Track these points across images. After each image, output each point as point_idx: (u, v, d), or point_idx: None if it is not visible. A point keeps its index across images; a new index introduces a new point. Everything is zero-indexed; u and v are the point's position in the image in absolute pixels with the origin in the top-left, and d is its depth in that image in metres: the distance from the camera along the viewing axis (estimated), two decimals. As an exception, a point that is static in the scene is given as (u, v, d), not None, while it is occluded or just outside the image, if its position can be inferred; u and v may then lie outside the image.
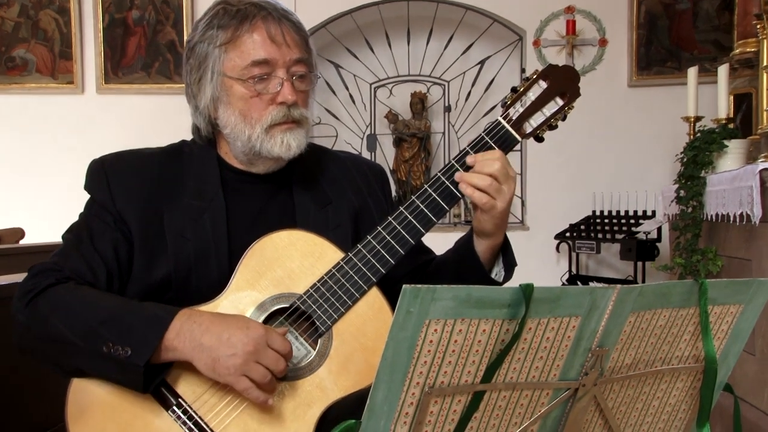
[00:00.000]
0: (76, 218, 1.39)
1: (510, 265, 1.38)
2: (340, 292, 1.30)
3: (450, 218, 5.00)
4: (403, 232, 1.30)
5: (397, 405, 0.85)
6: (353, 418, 0.88)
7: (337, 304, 1.29)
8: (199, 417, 1.25)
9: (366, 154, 4.99)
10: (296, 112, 1.34)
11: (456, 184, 1.28)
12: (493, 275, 1.37)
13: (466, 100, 5.16)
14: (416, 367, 0.84)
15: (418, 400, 0.86)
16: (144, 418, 1.24)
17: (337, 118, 5.17)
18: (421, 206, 1.30)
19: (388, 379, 0.84)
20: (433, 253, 1.57)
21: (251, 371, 1.20)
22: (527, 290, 0.84)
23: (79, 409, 1.23)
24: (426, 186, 1.31)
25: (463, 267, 1.37)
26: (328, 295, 1.29)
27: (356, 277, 1.29)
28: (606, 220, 4.62)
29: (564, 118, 1.34)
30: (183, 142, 1.46)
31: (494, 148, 1.30)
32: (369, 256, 1.29)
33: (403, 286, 0.79)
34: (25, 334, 1.25)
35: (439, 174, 1.31)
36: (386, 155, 5.23)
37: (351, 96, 5.19)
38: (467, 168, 1.29)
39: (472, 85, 5.13)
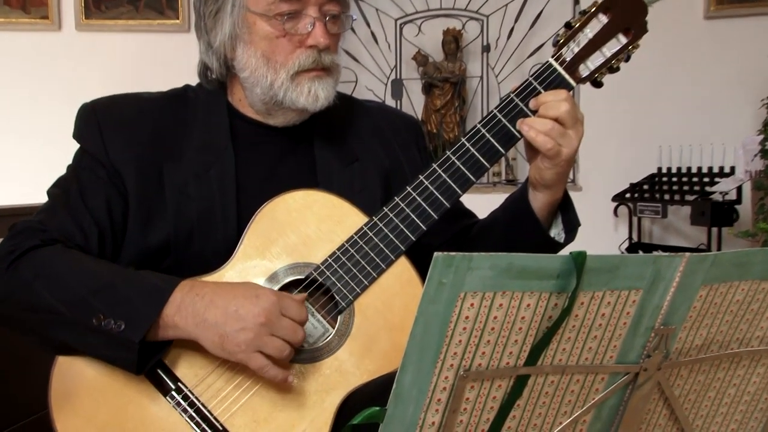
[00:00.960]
0: (51, 174, 1.42)
1: (572, 226, 1.40)
2: (363, 262, 1.32)
3: (489, 177, 4.97)
4: (437, 193, 1.32)
5: (427, 390, 0.87)
6: (377, 406, 0.90)
7: (360, 276, 1.32)
8: (202, 404, 1.28)
9: (390, 103, 4.93)
10: (327, 58, 1.36)
11: (504, 134, 1.30)
12: (552, 235, 1.38)
13: (509, 38, 5.08)
14: (450, 346, 0.85)
15: (452, 384, 0.87)
16: (139, 403, 1.27)
17: (356, 60, 5.11)
18: (457, 163, 1.32)
19: (417, 361, 0.85)
20: (475, 216, 1.60)
21: (266, 345, 1.22)
22: (579, 259, 0.84)
23: (64, 392, 1.26)
24: (463, 139, 1.32)
25: (516, 227, 1.39)
26: (349, 265, 1.31)
27: (382, 245, 1.32)
28: (674, 179, 4.58)
29: (627, 59, 1.35)
30: (187, 86, 1.48)
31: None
32: (397, 221, 1.32)
33: (435, 254, 0.80)
34: (4, 301, 1.27)
35: (479, 126, 1.32)
36: (414, 104, 5.18)
37: (373, 34, 5.13)
38: (517, 112, 1.30)
39: (516, 21, 5.04)
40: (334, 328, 1.33)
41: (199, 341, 1.23)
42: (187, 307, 1.22)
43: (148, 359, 1.25)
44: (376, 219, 1.33)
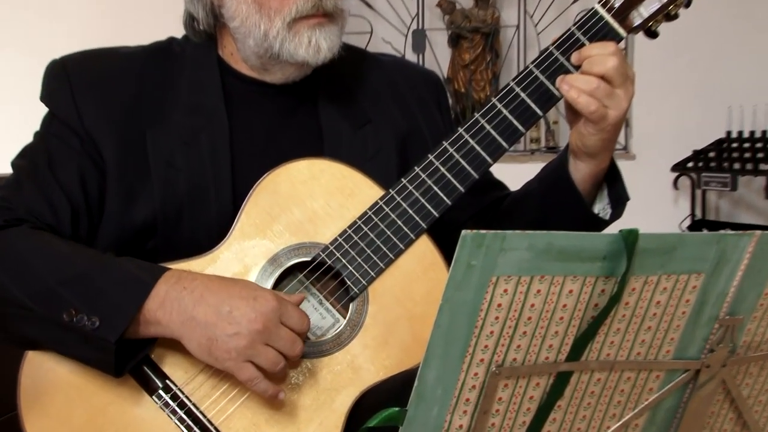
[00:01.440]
0: (15, 143, 1.43)
1: (619, 200, 1.40)
2: (378, 242, 1.34)
3: (525, 143, 4.93)
4: (463, 162, 1.33)
5: (454, 389, 0.88)
6: (396, 406, 0.90)
7: (375, 258, 1.33)
8: (193, 404, 1.30)
9: (411, 58, 4.84)
10: (329, 2, 1.35)
11: (542, 93, 1.30)
12: (595, 211, 1.39)
13: (550, -21, 5.01)
14: (480, 339, 0.86)
15: (483, 382, 0.88)
16: (120, 404, 1.28)
17: (370, 6, 5.04)
18: (488, 127, 1.33)
19: (442, 355, 0.86)
20: (507, 188, 1.62)
21: (259, 356, 1.24)
22: (630, 237, 0.84)
23: (35, 391, 1.27)
24: (494, 100, 1.32)
25: (554, 201, 1.40)
26: (362, 245, 1.33)
27: (400, 222, 1.33)
28: (746, 145, 4.51)
29: (687, 4, 1.34)
30: (172, 39, 1.48)
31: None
32: (417, 194, 1.33)
33: (462, 232, 0.80)
34: None
35: (512, 84, 1.32)
36: (439, 59, 5.08)
37: (391, -24, 5.07)
38: (557, 68, 1.31)
39: (559, -41, 4.98)
40: (345, 318, 1.34)
41: (182, 342, 1.25)
42: (173, 302, 1.23)
43: (129, 359, 1.26)
44: (393, 192, 1.34)
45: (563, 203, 1.37)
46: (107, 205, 1.36)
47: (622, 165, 1.43)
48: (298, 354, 1.25)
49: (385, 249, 1.34)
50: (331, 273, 1.35)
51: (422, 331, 1.32)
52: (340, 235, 1.34)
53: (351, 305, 1.35)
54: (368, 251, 1.34)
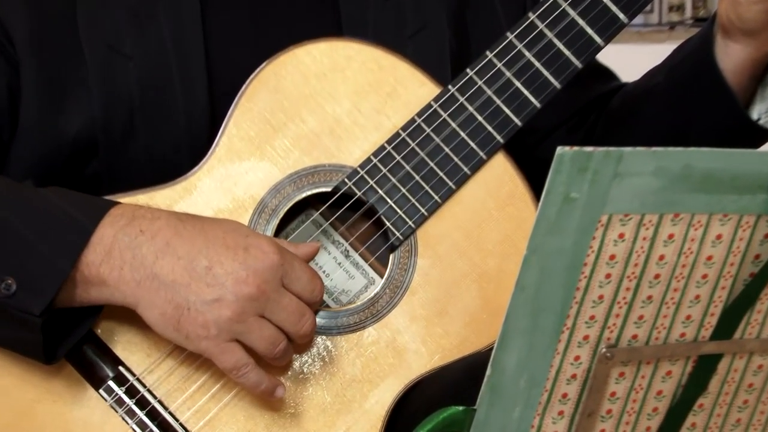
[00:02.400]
0: None
1: None
2: (431, 164, 1.35)
3: (660, 14, 4.82)
4: (559, 45, 1.34)
5: (545, 380, 0.89)
6: (459, 404, 0.91)
7: (427, 188, 1.35)
8: (158, 401, 1.31)
9: None
10: None
11: None
12: (754, 117, 1.39)
13: None
14: (583, 307, 0.87)
15: (588, 370, 0.90)
16: (53, 402, 1.29)
17: None
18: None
19: (528, 330, 0.87)
20: (618, 80, 1.64)
21: (249, 333, 1.25)
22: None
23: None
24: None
25: (691, 100, 1.40)
26: (408, 169, 1.34)
27: (463, 134, 1.34)
28: None
29: None
30: None
31: None
32: (489, 92, 1.34)
33: (558, 150, 0.80)
34: None
35: None
36: None
37: None
38: None
39: None
40: (383, 277, 1.36)
41: (138, 311, 1.24)
42: (124, 252, 1.23)
43: (63, 338, 1.26)
44: (453, 90, 1.34)
45: (705, 102, 1.38)
46: (22, 114, 1.38)
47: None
48: (307, 332, 1.27)
49: (441, 174, 1.35)
50: (361, 210, 1.36)
51: (497, 296, 1.33)
52: (376, 154, 1.35)
53: (391, 258, 1.36)
54: (417, 177, 1.34)
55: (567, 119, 1.57)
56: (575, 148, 0.80)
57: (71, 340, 1.26)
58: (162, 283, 1.23)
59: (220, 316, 1.22)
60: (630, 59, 1.65)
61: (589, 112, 1.59)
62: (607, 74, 1.63)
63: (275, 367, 1.28)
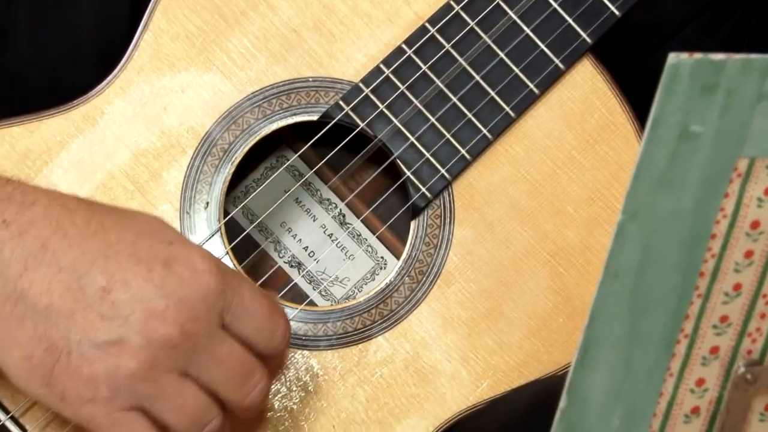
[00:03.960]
0: None
1: None
2: (477, 77, 1.15)
3: None
4: None
5: (650, 415, 0.78)
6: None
7: (470, 115, 1.15)
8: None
9: None
10: None
11: None
12: None
13: None
14: (710, 302, 0.75)
15: (717, 399, 0.79)
16: None
17: None
18: None
19: (624, 339, 0.75)
20: None
21: (162, 401, 1.06)
22: None
23: None
24: None
25: None
26: (439, 84, 1.16)
27: (528, 30, 1.16)
28: None
29: None
30: None
31: None
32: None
33: (670, 57, 0.67)
34: None
35: None
36: None
37: None
38: None
39: None
40: (399, 258, 1.17)
41: None
42: None
43: None
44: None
45: None
46: None
47: None
48: (255, 402, 1.07)
49: (492, 94, 1.14)
50: (364, 151, 1.18)
51: (579, 287, 1.15)
52: (388, 62, 1.16)
53: (413, 227, 1.17)
54: (453, 99, 1.14)
55: (701, 10, 1.35)
56: (697, 55, 0.67)
57: None
58: (29, 309, 1.02)
59: (118, 368, 1.02)
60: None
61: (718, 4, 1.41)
62: None
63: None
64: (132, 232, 1.06)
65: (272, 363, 1.10)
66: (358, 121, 1.15)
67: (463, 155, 1.15)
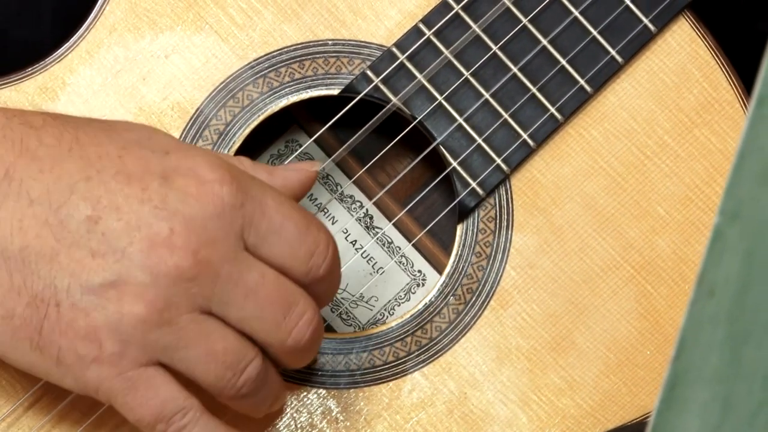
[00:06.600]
0: None
1: None
2: (545, 42, 1.05)
3: None
4: None
5: None
6: None
7: (534, 90, 1.05)
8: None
9: None
10: None
11: None
12: None
13: None
14: None
15: None
16: None
17: None
18: None
19: (722, 374, 0.63)
20: None
21: (184, 348, 0.94)
22: None
23: None
24: None
25: None
26: (496, 50, 1.05)
27: None
28: None
29: None
30: None
31: None
32: None
33: None
34: None
35: None
36: None
37: None
38: None
39: None
40: (442, 273, 1.06)
41: None
42: None
43: None
44: None
45: None
46: None
47: None
48: (304, 341, 0.93)
49: (563, 62, 1.03)
50: (399, 136, 1.06)
51: (670, 309, 1.04)
52: (429, 22, 1.04)
53: (459, 232, 1.05)
54: (514, 69, 1.03)
55: None
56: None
57: None
58: (1, 255, 0.94)
59: (123, 315, 0.90)
60: None
61: None
62: None
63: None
64: (116, 144, 0.95)
65: (323, 298, 0.97)
66: (391, 96, 1.04)
67: (524, 141, 1.03)
